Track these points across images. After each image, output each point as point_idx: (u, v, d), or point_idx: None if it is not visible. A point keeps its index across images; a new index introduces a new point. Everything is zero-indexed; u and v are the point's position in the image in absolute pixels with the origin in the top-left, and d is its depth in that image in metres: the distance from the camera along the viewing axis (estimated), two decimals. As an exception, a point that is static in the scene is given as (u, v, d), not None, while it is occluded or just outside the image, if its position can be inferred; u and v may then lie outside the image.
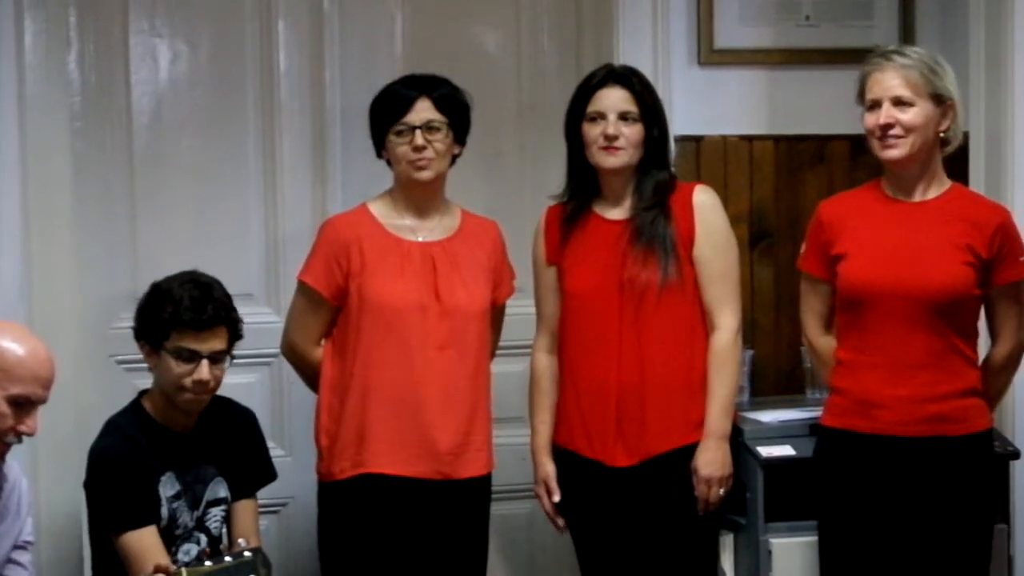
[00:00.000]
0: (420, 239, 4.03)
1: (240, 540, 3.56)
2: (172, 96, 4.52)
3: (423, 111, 3.96)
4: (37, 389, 3.24)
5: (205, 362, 3.80)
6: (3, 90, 3.98)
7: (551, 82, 4.73)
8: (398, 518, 3.97)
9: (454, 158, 4.06)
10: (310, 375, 4.12)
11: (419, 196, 4.03)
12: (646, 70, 4.21)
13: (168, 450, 3.85)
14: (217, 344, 3.83)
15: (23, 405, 3.22)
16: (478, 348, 4.03)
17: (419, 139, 3.95)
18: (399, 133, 3.97)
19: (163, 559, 3.62)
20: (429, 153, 3.95)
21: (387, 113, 3.99)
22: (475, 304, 4.02)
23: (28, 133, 4.14)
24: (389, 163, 4.04)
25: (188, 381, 3.79)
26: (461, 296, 3.99)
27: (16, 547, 3.46)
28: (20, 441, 3.28)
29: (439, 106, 3.98)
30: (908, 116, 3.76)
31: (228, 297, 3.89)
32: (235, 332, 3.89)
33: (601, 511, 4.03)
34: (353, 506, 3.99)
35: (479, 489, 4.06)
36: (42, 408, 3.34)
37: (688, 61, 4.73)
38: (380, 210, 4.06)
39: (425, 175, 3.97)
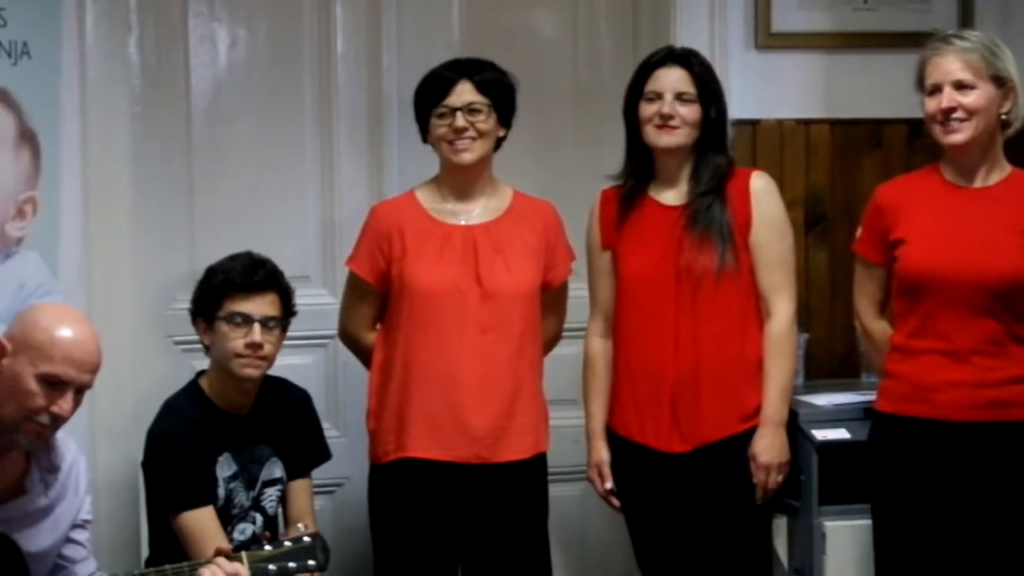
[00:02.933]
0: (462, 222, 4.04)
1: (299, 524, 3.60)
2: (230, 79, 4.55)
3: (464, 93, 3.97)
4: (69, 370, 3.21)
5: (257, 325, 3.84)
6: (65, 73, 4.01)
7: (607, 66, 4.72)
8: (439, 502, 3.99)
9: (500, 141, 4.06)
10: (366, 359, 4.15)
11: (462, 179, 4.04)
12: (703, 53, 4.19)
13: (225, 431, 3.89)
14: (268, 309, 3.87)
15: (55, 385, 3.21)
16: (522, 331, 4.01)
17: (460, 121, 3.95)
18: (440, 115, 3.97)
19: (220, 539, 3.66)
20: (470, 134, 3.95)
21: (429, 96, 4.00)
22: (519, 287, 4.01)
23: (89, 116, 4.17)
24: (435, 147, 4.06)
25: (241, 345, 3.83)
26: (503, 279, 3.99)
27: (75, 526, 3.48)
28: (54, 424, 3.25)
29: (481, 88, 3.98)
30: (970, 99, 3.73)
31: (280, 272, 3.94)
32: (287, 303, 3.94)
33: (654, 496, 4.03)
34: (397, 489, 4.01)
35: (525, 472, 4.04)
36: (98, 389, 3.36)
37: (745, 45, 4.71)
38: (425, 195, 4.07)
39: (466, 157, 3.97)
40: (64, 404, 3.22)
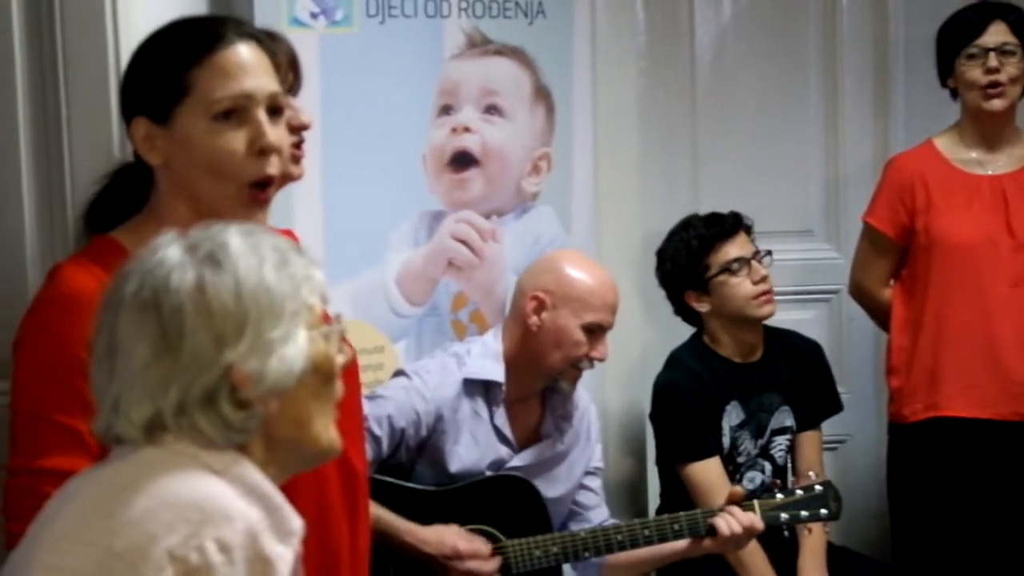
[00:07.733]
0: (989, 172, 3.95)
1: (810, 473, 3.60)
2: (734, 34, 4.54)
3: (998, 33, 3.86)
4: (608, 316, 3.42)
5: (753, 262, 3.87)
6: (577, 32, 4.10)
7: None
8: (975, 462, 3.91)
9: None
10: (879, 315, 4.11)
11: (989, 126, 3.94)
12: None
13: (732, 380, 3.91)
14: (748, 247, 3.89)
15: (594, 332, 3.39)
16: None
17: (993, 61, 3.84)
18: (971, 56, 3.87)
19: (726, 490, 3.68)
20: (1002, 77, 3.84)
21: (958, 36, 3.91)
22: None
23: (598, 73, 4.23)
24: (953, 94, 3.96)
25: (751, 286, 3.86)
26: None
27: (587, 472, 3.59)
28: (592, 366, 3.44)
29: (1015, 29, 3.87)
30: None
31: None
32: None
33: None
34: (927, 448, 3.95)
35: None
36: (610, 335, 3.49)
37: None
38: (946, 144, 3.99)
39: (996, 105, 3.86)
40: (602, 348, 3.42)
